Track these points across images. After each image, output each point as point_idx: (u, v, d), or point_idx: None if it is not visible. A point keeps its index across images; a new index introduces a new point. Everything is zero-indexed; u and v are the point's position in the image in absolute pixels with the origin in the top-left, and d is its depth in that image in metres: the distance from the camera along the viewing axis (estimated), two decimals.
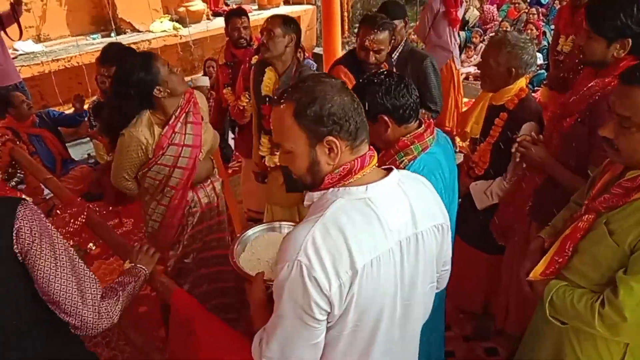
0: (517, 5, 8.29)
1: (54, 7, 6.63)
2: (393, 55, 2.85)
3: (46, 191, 3.82)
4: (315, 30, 8.72)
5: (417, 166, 1.60)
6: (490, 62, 2.12)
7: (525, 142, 1.92)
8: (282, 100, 1.12)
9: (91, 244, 3.22)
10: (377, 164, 1.18)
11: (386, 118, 1.60)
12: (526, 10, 8.02)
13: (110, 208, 4.28)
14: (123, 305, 1.40)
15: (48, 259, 1.22)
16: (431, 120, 1.74)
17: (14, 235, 1.18)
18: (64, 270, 1.24)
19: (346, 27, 7.46)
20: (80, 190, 4.30)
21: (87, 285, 1.28)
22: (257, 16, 8.18)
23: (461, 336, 2.75)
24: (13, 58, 5.17)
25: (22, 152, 2.78)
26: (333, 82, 1.13)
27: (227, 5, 8.29)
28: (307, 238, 1.04)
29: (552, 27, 5.97)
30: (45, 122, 4.55)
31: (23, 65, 5.66)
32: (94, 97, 5.19)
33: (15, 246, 1.18)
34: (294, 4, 8.81)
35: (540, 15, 8.12)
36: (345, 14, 7.67)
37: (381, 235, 1.09)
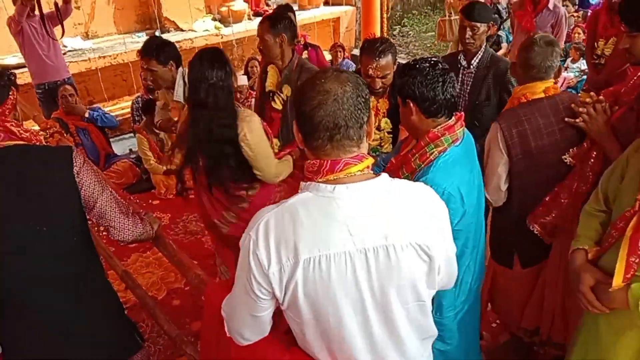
0: (566, 7, 8.06)
1: (102, 5, 6.86)
2: (472, 62, 2.73)
3: None
4: (355, 32, 8.71)
5: (446, 158, 1.61)
6: (515, 62, 2.11)
7: (587, 106, 1.87)
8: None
9: None
10: (362, 171, 1.13)
11: (412, 105, 1.61)
12: (573, 15, 7.79)
13: (151, 201, 4.41)
14: (145, 229, 1.77)
15: (94, 180, 1.61)
16: (461, 112, 1.72)
17: (74, 161, 1.56)
18: (105, 190, 1.64)
19: (385, 28, 7.41)
20: (122, 184, 4.44)
21: (121, 203, 1.70)
22: (298, 17, 8.23)
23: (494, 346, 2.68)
24: (62, 54, 5.36)
25: (68, 144, 2.88)
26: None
27: (268, 5, 8.38)
28: (265, 217, 1.12)
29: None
30: (92, 118, 4.74)
31: (71, 62, 5.87)
32: (138, 94, 5.35)
33: (74, 168, 1.56)
34: (333, 4, 8.81)
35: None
36: (385, 15, 7.61)
37: (338, 236, 1.08)
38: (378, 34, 6.78)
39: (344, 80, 1.10)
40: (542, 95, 2.00)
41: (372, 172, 1.17)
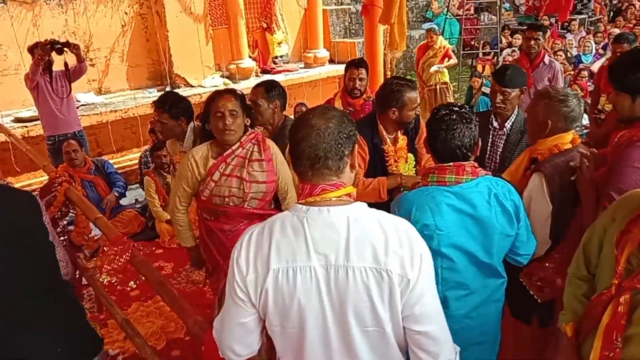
0: (563, 66, 8.31)
1: (116, 63, 7.17)
2: (506, 125, 2.68)
3: (93, 232, 4.00)
4: None
5: (412, 193, 1.78)
6: (531, 114, 2.13)
7: (584, 157, 1.93)
8: None
9: (132, 282, 3.32)
10: (340, 197, 1.24)
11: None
12: (570, 72, 8.01)
13: (154, 249, 4.43)
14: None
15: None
16: (476, 168, 1.77)
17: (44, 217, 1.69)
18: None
19: None
20: (127, 233, 4.48)
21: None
22: (304, 74, 8.54)
23: None
24: (75, 108, 5.55)
25: (76, 192, 2.95)
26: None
27: (275, 63, 8.71)
28: (250, 231, 1.29)
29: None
30: (100, 169, 4.84)
31: (84, 115, 6.07)
32: (146, 146, 5.49)
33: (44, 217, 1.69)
34: (338, 62, 9.15)
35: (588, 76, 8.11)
36: (389, 72, 7.86)
37: (303, 252, 1.20)
38: None
39: (329, 117, 1.25)
40: (570, 145, 2.06)
41: (351, 200, 1.27)
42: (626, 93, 1.83)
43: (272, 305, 1.23)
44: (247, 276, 1.23)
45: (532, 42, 4.25)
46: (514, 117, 2.68)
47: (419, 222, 1.68)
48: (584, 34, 10.46)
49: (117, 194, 4.79)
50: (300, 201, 1.26)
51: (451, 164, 1.73)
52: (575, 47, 9.47)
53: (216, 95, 2.35)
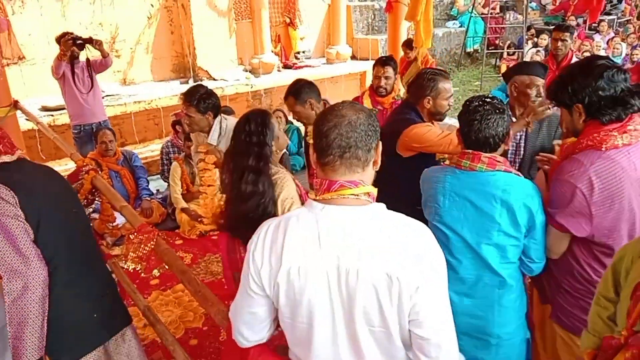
0: None
1: (141, 54, 7.26)
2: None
3: (117, 221, 4.06)
4: None
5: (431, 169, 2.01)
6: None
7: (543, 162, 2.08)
8: None
9: (156, 270, 3.37)
10: (357, 196, 1.22)
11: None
12: None
13: (174, 240, 4.49)
14: None
15: None
16: (496, 160, 1.83)
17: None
18: None
19: None
20: (149, 223, 4.55)
21: None
22: (326, 70, 8.53)
23: None
24: (101, 98, 5.64)
25: (102, 180, 3.00)
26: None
27: (297, 58, 8.72)
28: (267, 225, 1.31)
29: None
30: (127, 161, 4.91)
31: (108, 105, 6.16)
32: (168, 137, 5.55)
33: None
34: (361, 59, 9.13)
35: None
36: None
37: (314, 251, 1.21)
38: (403, 90, 6.97)
39: (358, 109, 1.26)
40: None
41: (370, 200, 1.25)
42: (562, 107, 1.81)
43: (284, 299, 1.27)
44: (261, 269, 1.27)
45: (560, 43, 4.19)
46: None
47: (425, 192, 1.97)
48: (612, 35, 10.26)
49: (149, 199, 4.84)
50: (317, 197, 1.25)
51: (470, 151, 1.82)
52: (603, 48, 9.29)
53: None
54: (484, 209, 1.81)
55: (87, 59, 4.99)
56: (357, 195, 1.22)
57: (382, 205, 1.26)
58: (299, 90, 3.00)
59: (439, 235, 1.85)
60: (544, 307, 2.05)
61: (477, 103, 1.83)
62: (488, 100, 1.83)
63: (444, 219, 1.90)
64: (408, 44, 6.03)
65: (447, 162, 1.96)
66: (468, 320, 1.92)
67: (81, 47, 4.82)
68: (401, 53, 6.12)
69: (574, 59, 4.26)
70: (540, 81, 2.57)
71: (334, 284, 1.21)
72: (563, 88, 1.77)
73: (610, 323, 1.48)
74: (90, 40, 4.84)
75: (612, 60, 1.77)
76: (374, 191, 1.27)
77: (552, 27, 4.89)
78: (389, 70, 3.62)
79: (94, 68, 5.03)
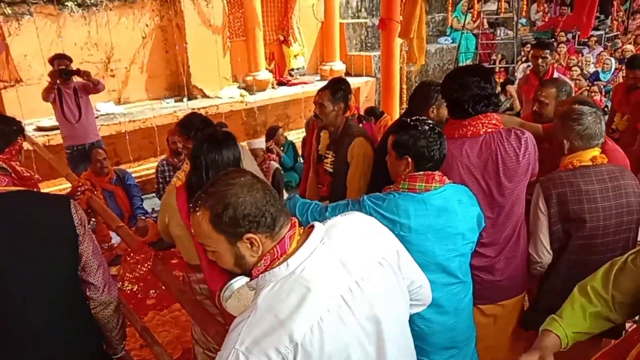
0: (577, 82, 8.27)
1: (136, 74, 7.28)
2: None
3: (113, 240, 4.04)
4: (374, 101, 9.01)
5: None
6: (552, 134, 2.17)
7: None
8: (197, 208, 1.17)
9: (152, 291, 3.34)
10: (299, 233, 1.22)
11: (409, 159, 1.85)
12: (587, 88, 7.96)
13: (170, 260, 4.46)
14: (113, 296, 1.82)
15: (90, 243, 1.70)
16: (443, 177, 1.90)
17: (74, 218, 1.63)
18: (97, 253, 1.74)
19: (404, 98, 7.67)
20: (145, 241, 4.52)
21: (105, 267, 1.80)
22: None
23: None
24: (95, 118, 5.65)
25: (98, 200, 2.99)
26: (242, 181, 1.18)
27: (291, 75, 8.79)
28: (244, 327, 1.10)
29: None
30: (120, 180, 4.90)
31: (103, 124, 6.16)
32: (163, 156, 5.55)
33: (77, 228, 1.64)
34: (355, 75, 9.20)
35: (603, 92, 8.04)
36: (404, 86, 7.90)
37: (315, 301, 1.12)
38: (397, 105, 7.03)
39: (245, 180, 1.22)
40: (590, 163, 2.08)
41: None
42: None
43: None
44: None
45: (540, 60, 4.21)
46: None
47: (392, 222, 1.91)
48: (600, 49, 10.41)
49: (144, 218, 4.80)
50: (272, 266, 1.18)
51: (422, 172, 1.84)
52: (592, 63, 9.42)
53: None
54: (447, 223, 1.84)
55: (75, 89, 5.04)
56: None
57: (314, 225, 1.27)
58: (339, 90, 2.95)
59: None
60: None
61: (426, 126, 1.85)
62: (423, 119, 1.90)
63: (413, 243, 1.80)
64: (370, 112, 5.99)
65: (392, 187, 1.92)
66: (447, 335, 1.95)
67: (68, 78, 4.92)
68: (397, 69, 6.20)
69: (555, 74, 4.32)
70: None
71: (349, 314, 1.16)
72: (442, 85, 2.18)
73: (588, 324, 1.46)
74: (77, 72, 4.94)
75: (480, 68, 2.22)
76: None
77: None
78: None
79: (86, 90, 5.08)
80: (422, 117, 1.92)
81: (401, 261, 1.33)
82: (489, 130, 2.02)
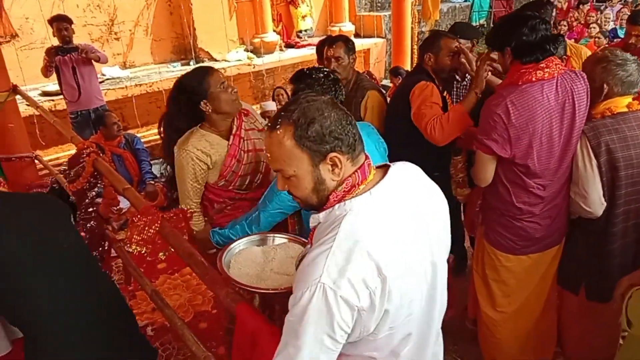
0: (597, 40, 7.97)
1: (140, 36, 7.13)
2: (467, 76, 2.79)
3: (121, 204, 4.00)
4: (385, 63, 8.79)
5: None
6: (589, 78, 2.06)
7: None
8: (277, 126, 1.09)
9: (161, 253, 3.32)
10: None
11: None
12: (606, 45, 7.68)
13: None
14: None
15: None
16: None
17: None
18: None
19: (415, 60, 7.46)
20: (155, 205, 4.48)
21: None
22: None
23: None
24: (100, 82, 5.56)
25: (104, 163, 2.92)
26: (324, 98, 1.13)
27: (299, 37, 8.56)
28: (329, 259, 1.02)
29: None
30: (129, 144, 4.84)
31: (109, 89, 6.07)
32: None
33: None
34: (364, 36, 8.95)
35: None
36: (415, 46, 7.67)
37: (398, 234, 1.09)
38: (409, 66, 6.84)
39: (326, 98, 1.20)
40: (626, 109, 2.03)
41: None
42: (497, 50, 2.09)
43: (387, 314, 1.09)
44: (360, 301, 1.05)
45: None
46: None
47: None
48: (619, 7, 10.03)
49: (153, 183, 4.73)
50: (350, 196, 1.14)
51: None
52: (612, 20, 9.09)
53: (207, 72, 2.14)
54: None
55: (74, 68, 4.94)
56: None
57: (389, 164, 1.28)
58: (349, 41, 2.91)
59: None
60: (480, 228, 2.38)
61: (321, 74, 1.87)
62: (319, 68, 1.93)
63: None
64: (394, 72, 5.92)
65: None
66: None
67: (65, 55, 4.84)
68: (408, 29, 5.99)
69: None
70: (461, 40, 2.72)
71: (425, 250, 1.18)
72: (496, 34, 2.11)
73: None
74: (76, 48, 4.86)
75: (537, 14, 2.07)
76: None
77: None
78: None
79: (87, 65, 5.00)
80: (320, 66, 1.93)
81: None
82: (561, 71, 1.97)
